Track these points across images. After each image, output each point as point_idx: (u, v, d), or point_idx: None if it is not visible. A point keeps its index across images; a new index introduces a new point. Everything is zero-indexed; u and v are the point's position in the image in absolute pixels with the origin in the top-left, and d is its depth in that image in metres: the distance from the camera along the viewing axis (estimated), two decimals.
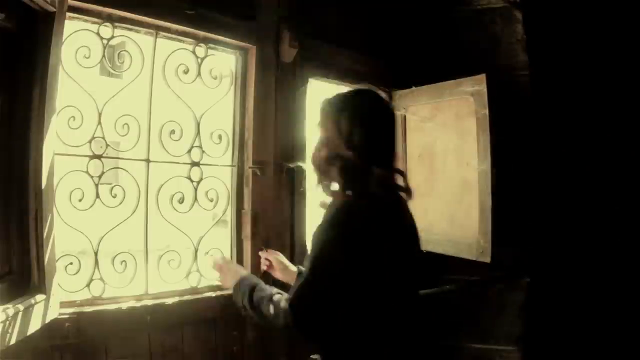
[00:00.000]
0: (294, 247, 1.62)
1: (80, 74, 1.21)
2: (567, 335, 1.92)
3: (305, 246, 1.62)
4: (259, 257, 1.22)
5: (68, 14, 1.06)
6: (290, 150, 1.61)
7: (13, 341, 0.87)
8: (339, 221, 0.84)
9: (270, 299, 0.87)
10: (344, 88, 1.99)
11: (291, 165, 1.60)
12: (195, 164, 1.45)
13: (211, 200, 1.46)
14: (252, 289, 0.92)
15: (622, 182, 1.93)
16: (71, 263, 1.20)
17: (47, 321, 1.00)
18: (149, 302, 1.30)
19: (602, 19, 1.95)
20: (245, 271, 1.06)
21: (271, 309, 0.85)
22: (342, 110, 0.91)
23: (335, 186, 0.92)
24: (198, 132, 1.45)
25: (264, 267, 1.22)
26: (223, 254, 1.27)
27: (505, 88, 1.96)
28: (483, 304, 2.05)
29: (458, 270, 2.01)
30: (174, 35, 1.40)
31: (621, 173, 1.94)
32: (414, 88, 2.01)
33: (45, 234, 0.99)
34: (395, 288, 0.85)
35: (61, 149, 1.13)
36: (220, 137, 1.49)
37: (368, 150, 0.89)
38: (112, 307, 1.25)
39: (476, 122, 1.75)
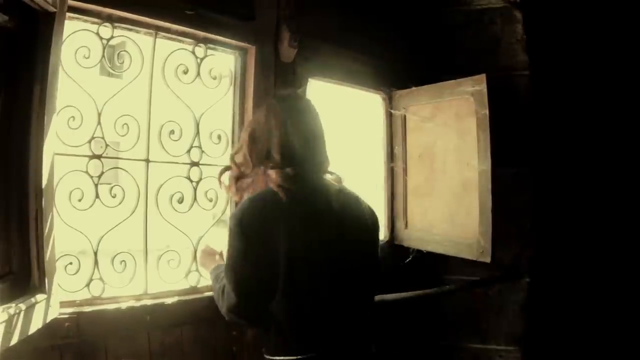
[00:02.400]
0: None
1: (80, 74, 1.21)
2: (567, 335, 1.92)
3: None
4: None
5: (68, 14, 1.05)
6: None
7: (15, 341, 0.87)
8: (234, 217, 0.91)
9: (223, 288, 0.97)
10: (343, 88, 2.00)
11: None
12: (194, 164, 1.45)
13: (210, 200, 1.46)
14: (221, 275, 1.02)
15: (622, 182, 1.93)
16: (71, 263, 1.21)
17: (47, 321, 1.00)
18: (149, 302, 1.30)
19: (602, 18, 1.94)
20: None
21: (221, 296, 0.96)
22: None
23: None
24: (197, 132, 1.46)
25: None
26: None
27: (506, 88, 1.96)
28: (483, 304, 2.05)
29: (458, 271, 2.01)
30: (173, 36, 1.40)
31: (621, 173, 1.94)
32: (414, 88, 2.01)
33: (45, 234, 0.99)
34: (289, 281, 0.87)
35: (61, 149, 1.13)
36: (219, 137, 1.49)
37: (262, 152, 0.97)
38: (111, 306, 1.25)
39: (476, 122, 1.75)
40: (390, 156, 2.12)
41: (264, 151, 0.97)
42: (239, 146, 1.05)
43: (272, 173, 0.94)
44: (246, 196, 0.98)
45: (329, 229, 0.92)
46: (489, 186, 1.70)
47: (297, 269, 0.87)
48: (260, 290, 0.88)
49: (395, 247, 2.09)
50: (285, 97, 1.05)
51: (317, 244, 0.90)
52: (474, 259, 1.76)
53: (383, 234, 2.13)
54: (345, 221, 0.95)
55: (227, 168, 1.09)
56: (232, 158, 1.05)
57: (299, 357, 0.87)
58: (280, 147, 0.95)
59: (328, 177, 1.00)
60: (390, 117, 2.12)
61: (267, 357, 0.94)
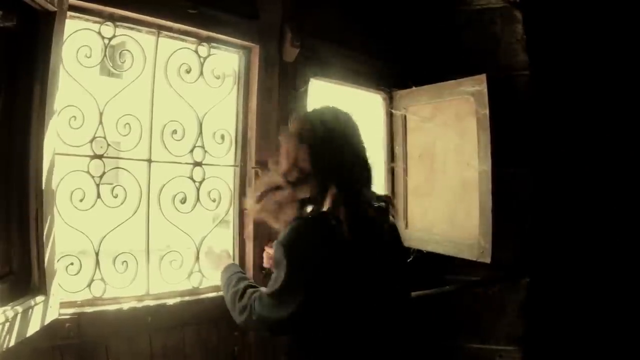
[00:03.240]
0: None
1: (81, 73, 1.20)
2: (567, 335, 1.92)
3: None
4: (261, 257, 1.23)
5: (69, 13, 1.05)
6: None
7: (12, 343, 0.87)
8: (289, 240, 0.87)
9: (242, 293, 0.96)
10: (344, 88, 2.00)
11: None
12: (197, 164, 1.44)
13: (213, 201, 1.45)
14: (234, 279, 1.02)
15: (622, 182, 1.94)
16: (72, 263, 1.20)
17: (47, 322, 0.99)
18: (150, 303, 1.29)
19: (602, 18, 1.95)
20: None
21: (244, 301, 0.94)
22: (292, 135, 0.94)
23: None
24: (200, 132, 1.45)
25: (266, 264, 1.24)
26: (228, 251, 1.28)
27: (506, 88, 1.96)
28: (483, 304, 2.05)
29: (458, 271, 2.02)
30: (176, 35, 1.39)
31: (621, 173, 1.95)
32: (414, 88, 2.01)
33: (45, 234, 0.99)
34: (352, 298, 0.87)
35: (62, 148, 1.13)
36: (222, 136, 1.49)
37: (318, 172, 0.90)
38: (113, 307, 1.24)
39: (476, 122, 1.75)
40: (391, 156, 2.12)
41: (323, 173, 0.91)
42: (290, 162, 0.93)
43: (338, 204, 0.88)
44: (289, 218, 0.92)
45: (378, 255, 0.92)
46: (489, 186, 1.70)
47: (354, 294, 0.87)
48: (316, 311, 0.86)
49: None
50: (338, 115, 0.96)
51: (366, 270, 0.89)
52: (474, 259, 1.76)
53: None
54: (392, 251, 0.96)
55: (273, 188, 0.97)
56: (286, 176, 0.93)
57: None
58: (344, 171, 0.90)
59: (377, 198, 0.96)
60: (390, 117, 2.12)
61: None
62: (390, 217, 0.99)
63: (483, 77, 1.73)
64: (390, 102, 2.11)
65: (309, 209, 0.92)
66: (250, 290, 0.97)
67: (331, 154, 0.90)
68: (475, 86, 1.75)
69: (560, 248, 1.98)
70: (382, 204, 0.95)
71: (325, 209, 0.90)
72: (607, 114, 1.97)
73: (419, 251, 2.01)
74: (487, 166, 1.71)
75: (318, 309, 0.86)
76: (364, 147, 0.96)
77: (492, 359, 2.03)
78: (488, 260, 1.71)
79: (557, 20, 2.00)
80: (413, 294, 1.78)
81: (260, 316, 0.91)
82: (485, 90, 1.71)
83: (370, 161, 0.96)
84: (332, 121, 0.94)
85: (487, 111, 1.71)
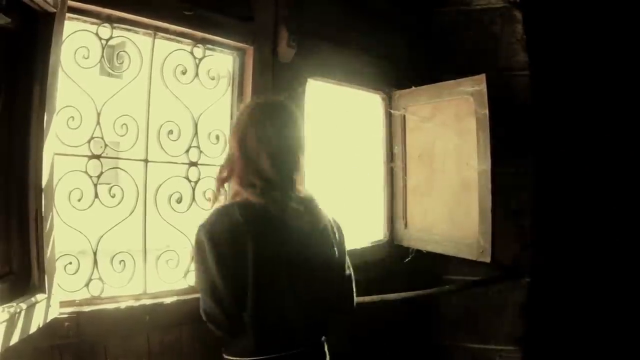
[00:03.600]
0: None
1: (79, 74, 1.22)
2: (567, 335, 1.92)
3: None
4: None
5: (67, 15, 1.06)
6: None
7: (16, 340, 0.88)
8: (205, 225, 0.94)
9: None
10: (343, 88, 2.00)
11: None
12: (193, 164, 1.45)
13: (209, 200, 1.46)
14: None
15: (622, 182, 1.93)
16: (70, 263, 1.21)
17: (47, 321, 1.00)
18: (148, 302, 1.30)
19: (602, 18, 1.94)
20: None
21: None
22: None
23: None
24: (196, 133, 1.46)
25: None
26: None
27: (506, 88, 1.96)
28: (483, 304, 2.05)
29: (458, 270, 2.01)
30: (172, 36, 1.40)
31: (620, 173, 1.94)
32: (413, 88, 2.01)
33: (45, 234, 1.00)
34: (257, 291, 0.92)
35: (60, 149, 1.14)
36: (217, 137, 1.49)
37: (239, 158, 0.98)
38: (111, 306, 1.25)
39: (476, 122, 1.75)
40: (390, 156, 2.12)
41: (242, 163, 0.99)
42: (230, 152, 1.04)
43: (240, 187, 0.97)
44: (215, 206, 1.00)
45: (292, 242, 0.96)
46: (489, 186, 1.70)
47: (262, 279, 0.92)
48: (231, 300, 0.91)
49: (395, 247, 2.09)
50: (262, 105, 1.04)
51: (280, 257, 0.94)
52: (474, 259, 1.76)
53: (383, 234, 2.13)
54: (309, 235, 0.99)
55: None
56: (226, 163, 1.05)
57: (264, 357, 0.93)
58: (250, 161, 0.97)
59: (300, 192, 1.00)
60: (389, 117, 2.12)
61: (229, 357, 0.98)
62: (316, 209, 1.01)
63: (482, 77, 1.72)
64: (389, 102, 2.11)
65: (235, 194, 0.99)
66: None
67: (247, 142, 0.97)
68: (475, 86, 1.75)
69: (560, 248, 1.97)
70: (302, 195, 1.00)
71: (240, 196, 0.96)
72: (607, 114, 1.96)
73: (419, 251, 2.01)
74: (487, 166, 1.71)
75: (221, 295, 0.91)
76: (297, 143, 1.01)
77: (492, 359, 2.02)
78: (488, 260, 1.70)
79: (557, 20, 1.99)
80: (414, 293, 1.79)
81: (204, 305, 0.96)
82: (485, 90, 1.71)
83: (297, 153, 1.00)
84: (285, 120, 1.00)
85: (486, 111, 1.71)
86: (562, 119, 2.00)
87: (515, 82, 2.01)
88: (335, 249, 1.03)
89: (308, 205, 0.99)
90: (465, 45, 2.11)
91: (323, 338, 1.04)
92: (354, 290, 1.08)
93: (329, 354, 1.05)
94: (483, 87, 1.72)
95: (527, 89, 2.00)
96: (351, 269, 1.09)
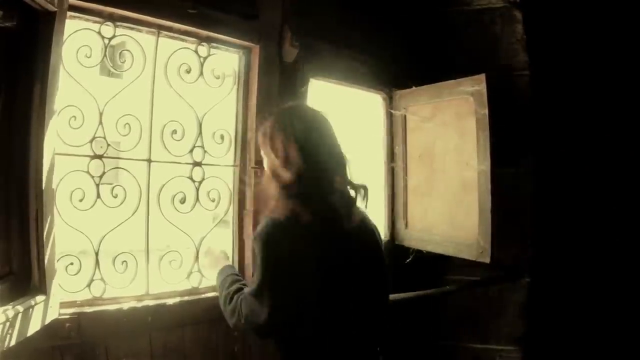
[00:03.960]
0: None
1: (81, 73, 1.21)
2: (567, 335, 1.92)
3: None
4: None
5: (69, 13, 1.05)
6: None
7: (13, 342, 0.87)
8: (265, 237, 0.91)
9: (232, 296, 1.00)
10: (344, 88, 2.00)
11: None
12: (197, 164, 1.44)
13: (213, 201, 1.46)
14: (228, 281, 1.06)
15: (622, 182, 1.94)
16: (72, 263, 1.20)
17: (47, 322, 0.99)
18: (150, 303, 1.30)
19: (602, 18, 1.95)
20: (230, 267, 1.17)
21: (230, 308, 0.98)
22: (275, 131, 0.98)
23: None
24: (200, 132, 1.45)
25: None
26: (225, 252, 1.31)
27: (505, 88, 1.96)
28: (483, 304, 2.05)
29: (458, 271, 2.02)
30: (176, 35, 1.39)
31: (621, 173, 1.95)
32: (414, 88, 2.01)
33: (45, 234, 0.99)
34: (323, 297, 0.90)
35: (62, 148, 1.13)
36: (222, 137, 1.49)
37: (299, 167, 0.93)
38: (112, 307, 1.24)
39: (476, 122, 1.75)
40: (391, 156, 2.12)
41: (281, 168, 0.95)
42: (279, 157, 0.97)
43: (288, 198, 0.93)
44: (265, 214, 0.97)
45: (348, 249, 0.95)
46: (489, 186, 1.70)
47: (327, 288, 0.90)
48: (290, 311, 0.90)
49: (395, 247, 2.09)
50: (299, 111, 1.02)
51: (338, 264, 0.92)
52: (474, 259, 1.76)
53: (384, 234, 2.13)
54: (360, 240, 0.98)
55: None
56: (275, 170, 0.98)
57: None
58: (297, 168, 0.93)
59: (343, 194, 0.98)
60: (390, 117, 2.12)
61: None
62: (361, 209, 1.00)
63: (482, 77, 1.72)
64: (390, 102, 2.11)
65: (287, 203, 0.95)
66: (239, 292, 1.00)
67: (314, 151, 0.94)
68: (475, 86, 1.75)
69: (560, 248, 1.98)
70: (353, 192, 0.98)
71: (297, 204, 0.93)
72: (607, 114, 1.97)
73: (419, 251, 2.01)
74: (486, 166, 1.71)
75: (294, 307, 0.89)
76: (338, 142, 1.00)
77: (492, 359, 2.03)
78: (487, 260, 1.71)
79: (557, 20, 2.00)
80: (414, 293, 1.79)
81: (245, 318, 0.93)
82: (485, 90, 1.71)
83: (345, 155, 0.99)
84: (311, 119, 0.99)
85: (486, 111, 1.71)
86: (562, 119, 2.01)
87: (516, 82, 2.01)
88: (382, 255, 1.03)
89: (354, 208, 0.97)
90: (465, 45, 2.11)
91: (378, 348, 1.02)
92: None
93: None
94: (483, 87, 1.72)
95: (527, 89, 2.00)
96: None
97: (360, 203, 1.00)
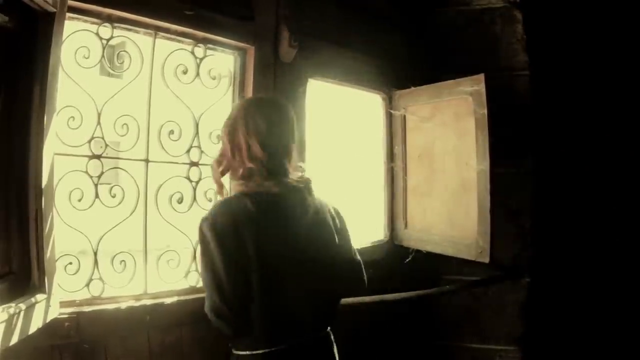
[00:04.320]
0: None
1: (80, 74, 1.22)
2: (567, 335, 1.92)
3: None
4: None
5: (67, 14, 1.06)
6: None
7: (15, 340, 0.88)
8: (208, 218, 0.94)
9: None
10: (343, 88, 2.00)
11: None
12: (194, 164, 1.45)
13: (210, 200, 1.46)
14: None
15: (622, 182, 1.93)
16: (70, 263, 1.21)
17: (47, 321, 1.00)
18: (148, 302, 1.30)
19: (602, 18, 1.94)
20: None
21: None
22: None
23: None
24: (197, 132, 1.46)
25: None
26: None
27: (505, 88, 1.96)
28: (483, 304, 2.05)
29: (458, 271, 2.01)
30: (173, 36, 1.40)
31: (621, 173, 1.94)
32: (413, 88, 2.01)
33: (45, 234, 0.99)
34: (262, 282, 0.92)
35: (61, 149, 1.14)
36: (219, 137, 1.49)
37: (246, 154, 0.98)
38: (111, 306, 1.25)
39: (475, 122, 1.75)
40: (390, 156, 2.12)
41: (235, 156, 1.00)
42: (222, 148, 1.05)
43: (236, 179, 0.99)
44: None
45: (296, 236, 0.97)
46: (488, 186, 1.70)
47: (267, 270, 0.92)
48: (235, 294, 0.91)
49: (395, 247, 2.09)
50: (250, 100, 1.08)
51: (283, 246, 0.95)
52: (473, 259, 1.76)
53: (383, 234, 2.13)
54: (309, 223, 1.00)
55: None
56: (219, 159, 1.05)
57: (271, 349, 0.93)
58: (241, 151, 0.98)
59: (295, 179, 1.01)
60: (390, 117, 2.12)
61: (238, 352, 0.98)
62: (316, 198, 1.03)
63: (481, 76, 1.72)
64: (389, 102, 2.11)
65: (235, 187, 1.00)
66: None
67: (271, 144, 0.98)
68: (474, 86, 1.75)
69: (560, 248, 1.97)
70: (301, 184, 1.01)
71: (245, 188, 0.97)
72: (607, 114, 1.96)
73: (419, 251, 2.01)
74: (485, 166, 1.71)
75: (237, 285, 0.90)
76: (292, 135, 1.04)
77: (492, 359, 2.02)
78: (486, 260, 1.70)
79: (557, 20, 1.99)
80: (414, 293, 1.79)
81: (211, 307, 0.94)
82: (484, 90, 1.71)
83: (292, 145, 1.03)
84: (274, 111, 1.03)
85: (485, 111, 1.71)
86: (562, 119, 2.00)
87: (516, 82, 2.01)
88: (336, 235, 1.04)
89: (304, 193, 1.00)
90: (465, 45, 2.11)
91: (329, 328, 1.04)
92: (364, 273, 1.08)
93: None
94: (482, 86, 1.72)
95: (527, 89, 2.00)
96: (357, 253, 1.10)
97: (314, 192, 1.02)
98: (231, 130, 1.00)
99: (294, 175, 1.01)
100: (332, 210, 1.06)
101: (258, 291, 0.91)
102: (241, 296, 0.91)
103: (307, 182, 1.02)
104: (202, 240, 0.93)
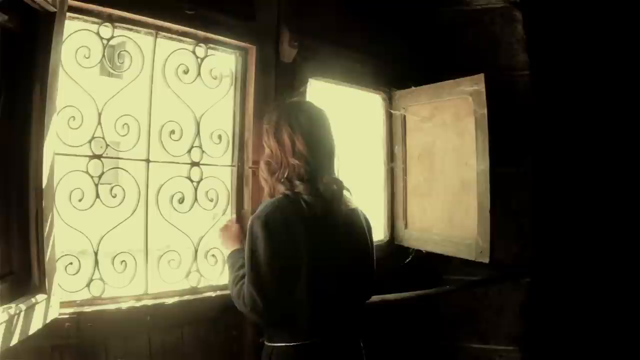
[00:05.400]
0: None
1: (80, 74, 1.21)
2: (567, 335, 1.92)
3: None
4: None
5: (68, 14, 1.05)
6: None
7: (15, 341, 0.87)
8: (260, 217, 0.98)
9: (239, 280, 1.05)
10: (344, 88, 2.00)
11: None
12: (195, 164, 1.45)
13: (211, 200, 1.46)
14: (238, 263, 1.11)
15: (622, 182, 1.94)
16: (71, 263, 1.20)
17: (47, 321, 1.00)
18: (149, 302, 1.30)
19: (603, 18, 1.95)
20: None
21: (236, 292, 1.04)
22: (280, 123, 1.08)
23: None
24: (198, 132, 1.45)
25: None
26: (231, 219, 1.39)
27: (505, 88, 1.96)
28: (483, 304, 2.05)
29: (458, 271, 2.02)
30: (174, 36, 1.40)
31: (621, 173, 1.94)
32: (413, 88, 2.01)
33: (45, 234, 0.99)
34: (311, 277, 0.97)
35: (61, 148, 1.13)
36: (220, 137, 1.49)
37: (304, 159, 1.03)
38: (112, 307, 1.25)
39: (475, 122, 1.75)
40: (390, 156, 2.12)
41: (281, 155, 1.05)
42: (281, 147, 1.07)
43: (282, 180, 1.03)
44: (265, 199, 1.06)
45: (338, 235, 1.03)
46: (488, 186, 1.70)
47: (315, 267, 0.96)
48: (275, 288, 0.95)
49: (395, 247, 2.09)
50: (289, 103, 1.12)
51: (329, 248, 1.00)
52: (473, 259, 1.76)
53: (383, 234, 2.13)
54: (349, 227, 1.06)
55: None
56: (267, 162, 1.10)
57: (307, 342, 0.97)
58: (294, 152, 1.02)
59: (337, 179, 1.07)
60: (390, 117, 2.12)
61: (273, 344, 1.01)
62: (349, 202, 1.09)
63: (481, 76, 1.72)
64: (389, 102, 2.11)
65: (282, 188, 1.04)
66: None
67: (316, 144, 1.04)
68: (474, 86, 1.75)
69: (560, 248, 1.97)
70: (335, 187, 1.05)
71: (296, 189, 1.02)
72: (607, 114, 1.96)
73: (419, 251, 2.01)
74: (485, 166, 1.71)
75: (294, 286, 0.96)
76: (333, 139, 1.10)
77: (492, 359, 2.02)
78: (486, 260, 1.70)
79: (557, 20, 2.00)
80: (414, 293, 1.79)
81: (248, 301, 0.97)
82: (484, 89, 1.71)
83: (336, 151, 1.10)
84: (315, 114, 1.09)
85: (485, 111, 1.71)
86: (563, 119, 2.01)
87: (515, 82, 2.01)
88: (369, 242, 1.11)
89: (345, 196, 1.06)
90: (465, 45, 2.11)
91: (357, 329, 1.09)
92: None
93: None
94: (482, 86, 1.72)
95: (527, 89, 2.00)
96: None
97: (349, 195, 1.09)
98: (275, 131, 1.04)
99: (334, 176, 1.06)
100: (362, 216, 1.12)
101: (305, 286, 0.95)
102: (282, 290, 0.95)
103: (344, 185, 1.07)
104: (251, 237, 0.97)
